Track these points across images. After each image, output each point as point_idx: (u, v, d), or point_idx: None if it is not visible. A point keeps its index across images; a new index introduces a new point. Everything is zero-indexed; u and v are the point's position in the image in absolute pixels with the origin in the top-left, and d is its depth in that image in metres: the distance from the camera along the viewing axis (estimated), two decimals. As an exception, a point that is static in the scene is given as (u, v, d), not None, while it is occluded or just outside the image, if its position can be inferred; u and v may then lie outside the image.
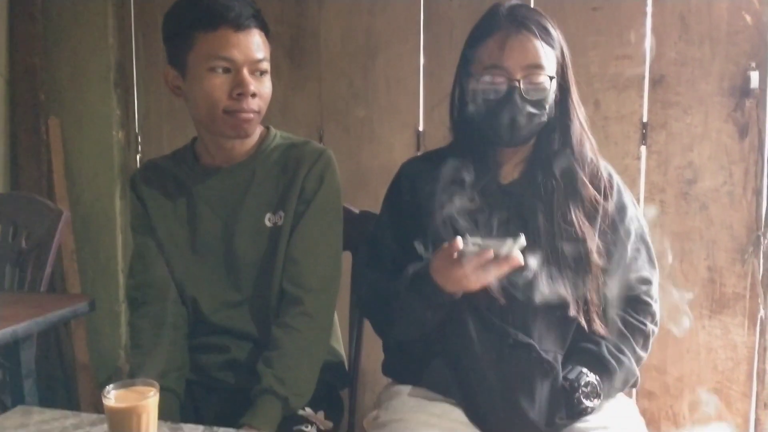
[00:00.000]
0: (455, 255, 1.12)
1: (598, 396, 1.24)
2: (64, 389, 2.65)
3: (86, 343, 2.67)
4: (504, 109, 1.23)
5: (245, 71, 1.32)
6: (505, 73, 1.23)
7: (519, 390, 1.23)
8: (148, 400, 1.01)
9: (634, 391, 2.21)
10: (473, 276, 1.13)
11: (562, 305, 1.25)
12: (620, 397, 1.37)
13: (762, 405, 2.15)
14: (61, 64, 2.61)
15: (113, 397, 1.02)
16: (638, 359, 1.31)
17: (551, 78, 1.25)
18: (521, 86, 1.23)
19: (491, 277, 1.13)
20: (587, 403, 1.22)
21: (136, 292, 1.46)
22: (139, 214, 1.48)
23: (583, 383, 1.23)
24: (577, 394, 1.22)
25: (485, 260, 1.11)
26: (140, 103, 2.59)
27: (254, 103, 1.34)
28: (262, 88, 1.35)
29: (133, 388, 1.05)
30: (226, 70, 1.31)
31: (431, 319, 1.23)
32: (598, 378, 1.25)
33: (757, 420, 2.16)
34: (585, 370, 1.24)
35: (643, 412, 1.36)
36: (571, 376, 1.24)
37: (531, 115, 1.24)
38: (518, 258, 1.11)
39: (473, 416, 1.27)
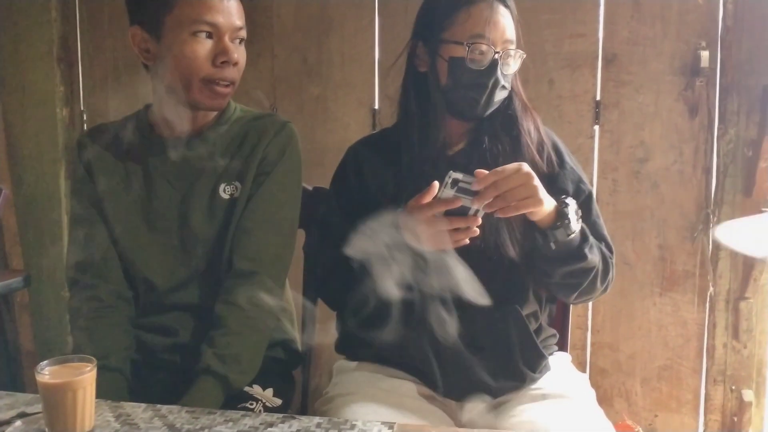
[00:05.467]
0: (428, 200, 1.11)
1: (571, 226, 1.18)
2: (9, 377, 2.56)
3: (31, 330, 2.58)
4: (487, 80, 1.23)
5: (227, 38, 1.27)
6: (490, 43, 1.23)
7: (481, 351, 1.23)
8: (84, 376, 0.97)
9: (588, 367, 2.24)
10: (438, 236, 1.13)
11: (511, 264, 1.26)
12: (575, 371, 1.38)
13: (712, 381, 2.19)
14: (0, 38, 2.49)
15: (47, 372, 0.98)
16: (605, 264, 1.29)
17: (520, 55, 1.27)
18: (500, 60, 1.24)
19: (451, 239, 1.13)
20: (572, 225, 1.17)
21: (76, 273, 1.38)
22: (84, 181, 1.39)
23: (573, 208, 1.18)
24: (567, 211, 1.17)
25: (455, 207, 1.10)
26: (85, 79, 2.50)
27: (234, 73, 1.30)
28: (240, 56, 1.31)
29: (69, 365, 1.01)
30: (208, 36, 1.27)
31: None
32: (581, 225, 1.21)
33: (707, 395, 2.20)
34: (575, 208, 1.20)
35: (596, 389, 1.37)
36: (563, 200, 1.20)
37: (503, 89, 1.26)
38: (476, 230, 1.13)
39: (429, 384, 1.26)
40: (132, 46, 1.33)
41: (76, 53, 2.49)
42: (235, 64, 1.29)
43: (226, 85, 1.30)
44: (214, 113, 1.39)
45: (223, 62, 1.27)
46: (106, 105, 2.47)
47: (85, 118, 2.52)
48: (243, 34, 1.31)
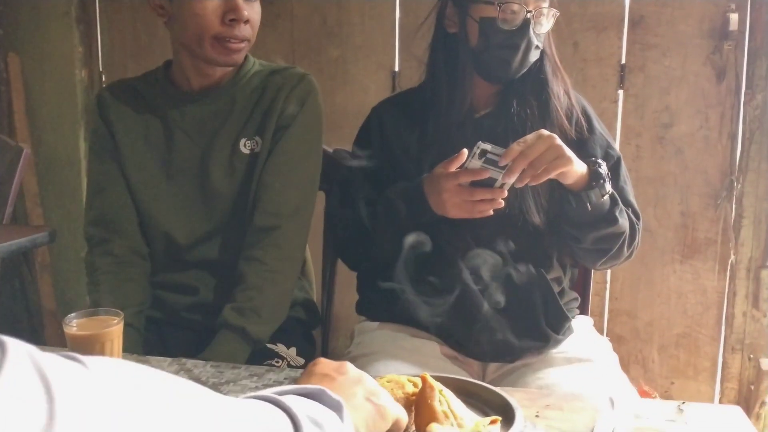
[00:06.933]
0: (455, 168, 1.12)
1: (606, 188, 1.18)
2: (31, 337, 2.59)
3: (53, 291, 2.61)
4: (519, 41, 1.21)
5: None
6: (522, 2, 1.20)
7: (505, 312, 1.23)
8: (111, 328, 0.97)
9: (605, 334, 2.23)
10: (463, 205, 1.14)
11: (536, 230, 1.25)
12: (597, 335, 1.38)
13: (730, 349, 2.19)
14: (19, -3, 2.49)
15: (75, 325, 0.98)
16: (633, 230, 1.28)
17: (554, 14, 1.24)
18: (533, 19, 1.21)
19: (476, 209, 1.15)
20: (606, 186, 1.16)
21: (94, 228, 1.39)
22: (103, 136, 1.39)
23: (603, 171, 1.17)
24: (601, 171, 1.16)
25: (482, 178, 1.10)
26: (104, 40, 2.49)
27: (246, 30, 1.28)
28: (253, 13, 1.29)
29: (96, 317, 1.01)
30: None
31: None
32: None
33: (724, 363, 2.20)
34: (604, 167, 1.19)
35: (613, 356, 1.37)
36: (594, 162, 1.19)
37: (536, 49, 1.24)
38: (501, 201, 1.14)
39: (452, 345, 1.26)
40: (149, 4, 1.32)
41: (95, 14, 2.48)
42: (246, 21, 1.27)
43: (239, 42, 1.28)
44: (232, 67, 1.38)
45: (232, 20, 1.25)
46: (125, 66, 2.46)
47: (104, 78, 2.51)
48: None
